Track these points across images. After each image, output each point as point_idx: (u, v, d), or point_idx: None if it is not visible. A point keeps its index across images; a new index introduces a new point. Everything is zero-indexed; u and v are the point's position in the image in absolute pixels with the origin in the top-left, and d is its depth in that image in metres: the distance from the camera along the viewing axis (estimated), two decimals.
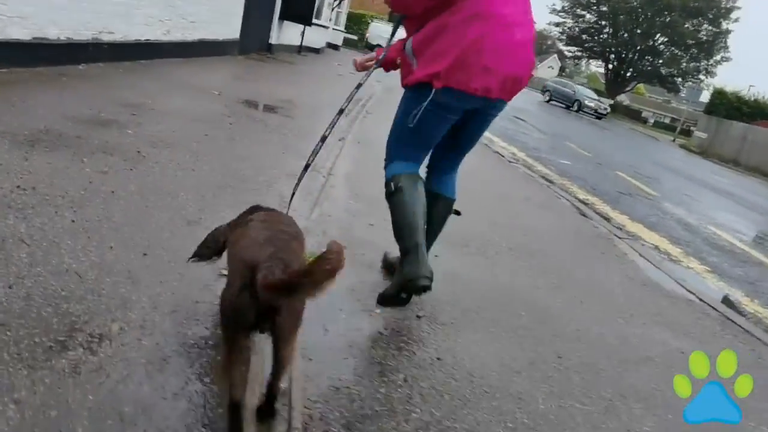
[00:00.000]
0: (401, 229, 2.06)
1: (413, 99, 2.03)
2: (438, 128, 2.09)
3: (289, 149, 4.16)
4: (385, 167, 2.21)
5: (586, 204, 5.37)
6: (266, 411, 1.40)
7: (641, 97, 58.11)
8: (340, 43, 23.87)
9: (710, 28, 44.15)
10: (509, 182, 5.57)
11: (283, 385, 1.46)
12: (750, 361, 2.66)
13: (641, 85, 56.00)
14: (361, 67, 2.42)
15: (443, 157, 2.29)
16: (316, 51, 17.45)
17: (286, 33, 13.38)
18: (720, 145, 24.59)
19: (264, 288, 1.15)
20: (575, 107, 29.05)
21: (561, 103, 30.24)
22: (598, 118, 28.87)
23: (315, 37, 16.83)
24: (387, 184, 2.13)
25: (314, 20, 14.51)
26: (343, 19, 23.53)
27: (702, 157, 22.88)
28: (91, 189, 2.48)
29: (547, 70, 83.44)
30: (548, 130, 13.09)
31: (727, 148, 23.93)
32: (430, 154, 2.27)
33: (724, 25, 43.89)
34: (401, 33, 2.19)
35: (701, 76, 46.20)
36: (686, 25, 43.85)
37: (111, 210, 2.33)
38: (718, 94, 27.69)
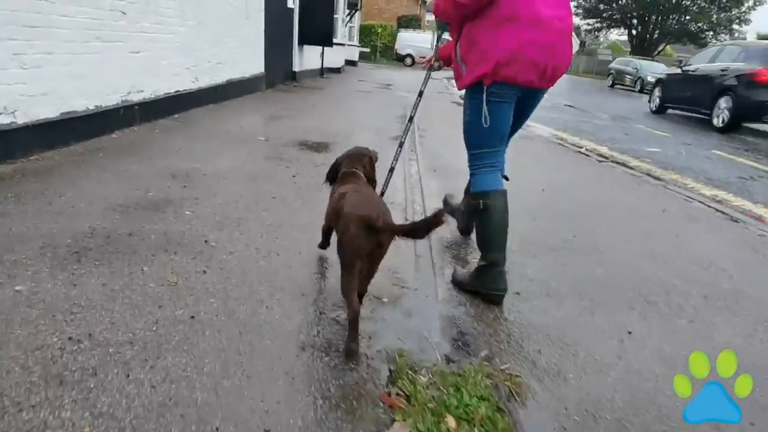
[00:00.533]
0: (487, 242, 2.26)
1: (473, 99, 2.23)
2: (504, 117, 2.24)
3: None
4: (471, 171, 2.38)
5: (720, 202, 4.44)
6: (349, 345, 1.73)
7: (670, 59, 55.57)
8: (356, 58, 23.33)
9: None
10: (623, 190, 4.63)
11: None
12: None
13: (668, 47, 53.65)
14: (428, 64, 2.70)
15: None
16: (338, 71, 16.91)
17: (307, 57, 12.85)
18: None
19: (384, 228, 1.69)
20: (637, 87, 24.04)
21: (626, 86, 25.37)
22: None
23: (334, 56, 16.29)
24: (476, 198, 2.29)
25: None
26: (356, 33, 23.03)
27: None
28: (164, 319, 1.83)
29: None
30: (606, 114, 12.07)
31: None
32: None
33: None
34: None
35: (735, 26, 43.93)
36: None
37: (198, 352, 1.67)
38: (762, 39, 25.95)
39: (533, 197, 3.91)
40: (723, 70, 10.08)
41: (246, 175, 3.74)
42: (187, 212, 2.89)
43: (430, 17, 20.86)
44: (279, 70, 10.55)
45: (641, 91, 23.28)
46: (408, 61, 30.09)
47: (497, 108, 2.18)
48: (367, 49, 31.63)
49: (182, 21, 5.91)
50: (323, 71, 14.95)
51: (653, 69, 24.56)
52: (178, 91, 5.94)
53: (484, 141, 2.27)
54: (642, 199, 4.29)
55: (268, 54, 9.21)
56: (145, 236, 2.51)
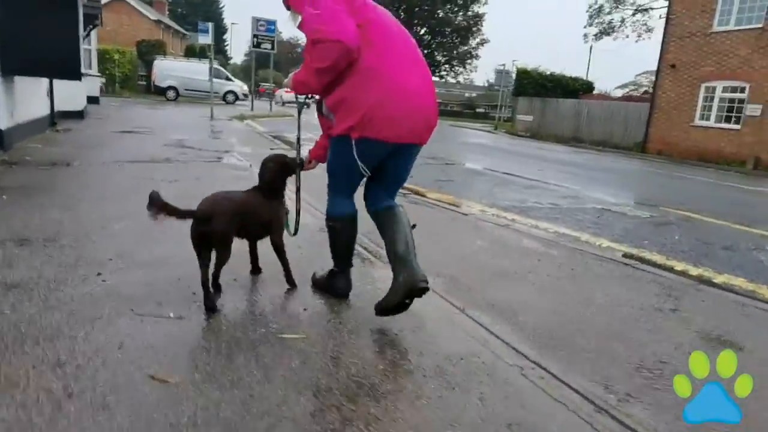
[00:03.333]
0: (336, 256, 2.52)
1: (339, 148, 2.28)
2: (356, 173, 2.31)
3: None
4: (329, 197, 2.47)
5: None
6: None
7: None
8: (97, 93, 16.62)
9: (464, 13, 46.56)
10: None
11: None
12: None
13: None
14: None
15: (379, 195, 2.44)
16: (79, 115, 10.71)
17: (23, 99, 6.85)
18: (552, 125, 24.14)
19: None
20: None
21: None
22: None
23: (72, 93, 10.14)
24: (328, 220, 2.48)
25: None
26: (94, 59, 16.26)
27: (541, 141, 21.81)
28: None
29: None
30: (478, 165, 9.10)
31: (561, 126, 23.53)
32: (370, 196, 2.45)
33: (476, 8, 46.62)
34: None
35: (468, 61, 48.67)
36: (439, 13, 45.48)
37: None
38: (523, 74, 27.62)
39: None
40: None
41: None
42: None
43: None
44: None
45: None
46: (171, 94, 23.96)
47: (355, 162, 2.24)
48: (103, 79, 24.44)
49: None
50: (54, 119, 8.84)
51: None
52: None
53: (339, 183, 2.41)
54: None
55: None
56: None
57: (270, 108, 20.96)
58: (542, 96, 25.93)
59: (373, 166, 2.30)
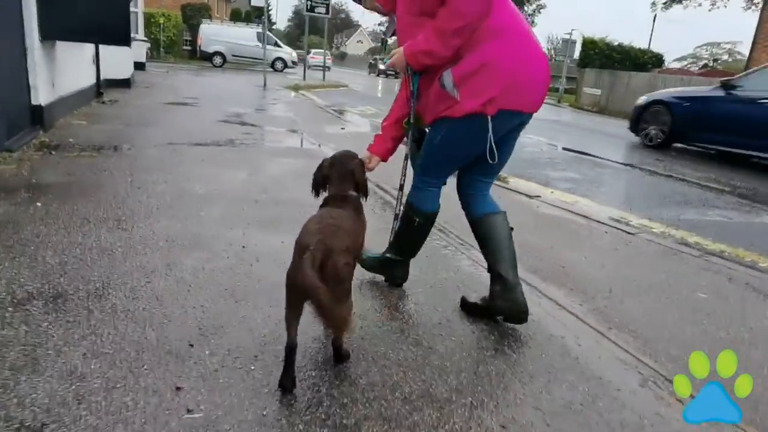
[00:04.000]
0: (404, 248, 2.28)
1: (462, 129, 1.94)
2: (477, 152, 1.99)
3: None
4: (419, 185, 2.15)
5: None
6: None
7: None
8: (143, 59, 15.77)
9: None
10: None
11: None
12: None
13: None
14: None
15: (479, 182, 2.15)
16: (126, 84, 9.80)
17: (66, 68, 5.88)
18: (621, 100, 22.13)
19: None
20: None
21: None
22: None
23: (119, 59, 9.21)
24: (410, 210, 2.18)
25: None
26: (140, 21, 15.32)
27: (610, 117, 19.95)
28: None
29: (357, 45, 79.75)
30: (613, 159, 7.73)
31: (632, 102, 21.41)
32: (464, 183, 2.18)
33: None
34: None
35: None
36: None
37: None
38: (590, 44, 25.44)
39: None
40: None
41: None
42: None
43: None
44: None
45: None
46: (217, 60, 23.08)
47: (476, 142, 1.92)
48: (148, 44, 23.72)
49: None
50: (101, 89, 7.93)
51: None
52: None
53: (441, 171, 2.13)
54: None
55: None
56: None
57: (323, 77, 19.78)
58: (608, 68, 23.83)
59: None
